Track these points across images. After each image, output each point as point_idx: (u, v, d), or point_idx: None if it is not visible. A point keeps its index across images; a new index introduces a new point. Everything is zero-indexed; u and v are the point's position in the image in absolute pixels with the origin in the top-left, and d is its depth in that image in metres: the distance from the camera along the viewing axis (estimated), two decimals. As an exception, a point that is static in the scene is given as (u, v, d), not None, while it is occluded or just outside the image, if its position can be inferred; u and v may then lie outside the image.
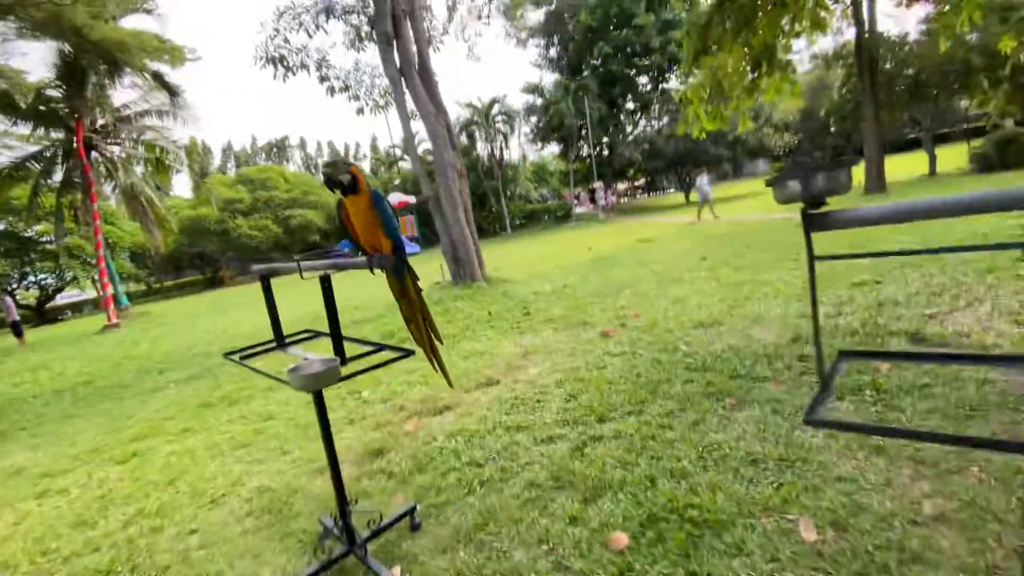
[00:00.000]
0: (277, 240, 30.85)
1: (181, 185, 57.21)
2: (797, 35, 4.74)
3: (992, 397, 2.38)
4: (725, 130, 25.79)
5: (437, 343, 1.89)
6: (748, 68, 4.20)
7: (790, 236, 8.62)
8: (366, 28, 8.82)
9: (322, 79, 8.62)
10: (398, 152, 39.47)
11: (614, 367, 3.67)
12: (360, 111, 9.47)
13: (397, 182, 33.15)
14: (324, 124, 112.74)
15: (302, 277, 1.72)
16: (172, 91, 15.57)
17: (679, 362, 3.52)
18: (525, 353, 4.39)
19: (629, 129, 32.75)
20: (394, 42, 7.50)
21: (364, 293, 10.96)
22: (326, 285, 1.58)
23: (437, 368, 1.90)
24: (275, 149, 61.27)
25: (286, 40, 7.96)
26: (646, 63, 28.80)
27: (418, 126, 13.29)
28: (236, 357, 2.03)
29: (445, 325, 5.87)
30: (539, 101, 32.57)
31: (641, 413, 2.86)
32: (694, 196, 30.01)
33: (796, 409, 2.61)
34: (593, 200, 29.92)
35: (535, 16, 31.65)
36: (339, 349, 1.66)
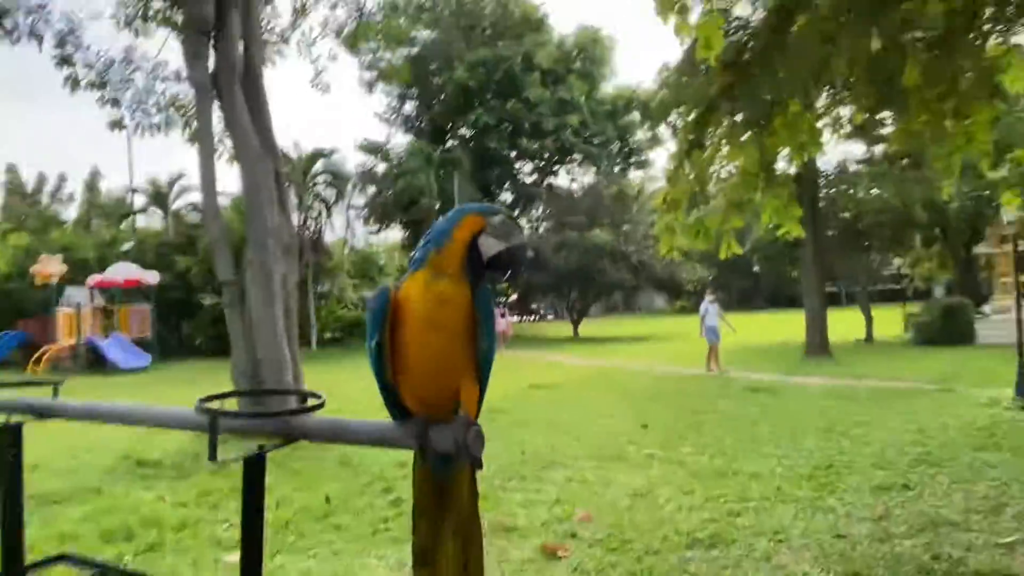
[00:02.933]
0: None
1: None
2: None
3: None
4: (627, 249, 29.10)
5: None
6: (759, 174, 4.60)
7: (741, 403, 9.36)
8: (158, 3, 8.23)
9: (62, 60, 7.57)
10: (139, 200, 36.38)
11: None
12: (118, 124, 8.46)
13: (128, 246, 29.97)
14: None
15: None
16: None
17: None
18: (414, 587, 3.61)
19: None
20: (212, 35, 7.02)
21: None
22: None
23: None
24: None
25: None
26: (534, 146, 31.96)
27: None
28: None
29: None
30: (381, 167, 33.56)
31: None
32: (590, 330, 32.26)
33: None
34: None
35: (390, 56, 33.86)
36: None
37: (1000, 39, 5.96)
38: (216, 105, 7.38)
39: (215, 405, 1.12)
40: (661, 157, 33.10)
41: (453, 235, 1.01)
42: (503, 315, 25.76)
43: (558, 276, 29.46)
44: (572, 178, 35.85)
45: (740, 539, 4.14)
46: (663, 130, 25.40)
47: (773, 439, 6.93)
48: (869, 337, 19.84)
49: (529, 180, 34.87)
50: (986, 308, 18.32)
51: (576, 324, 32.58)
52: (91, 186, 54.43)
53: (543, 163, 34.23)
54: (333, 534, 4.49)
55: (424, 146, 31.99)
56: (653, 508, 4.82)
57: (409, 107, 35.26)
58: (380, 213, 33.09)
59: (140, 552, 4.26)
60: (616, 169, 33.71)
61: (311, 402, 1.18)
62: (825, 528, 4.27)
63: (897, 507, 4.61)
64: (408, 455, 1.27)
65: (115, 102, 8.50)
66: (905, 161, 16.52)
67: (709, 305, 14.30)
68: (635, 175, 34.97)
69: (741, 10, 12.24)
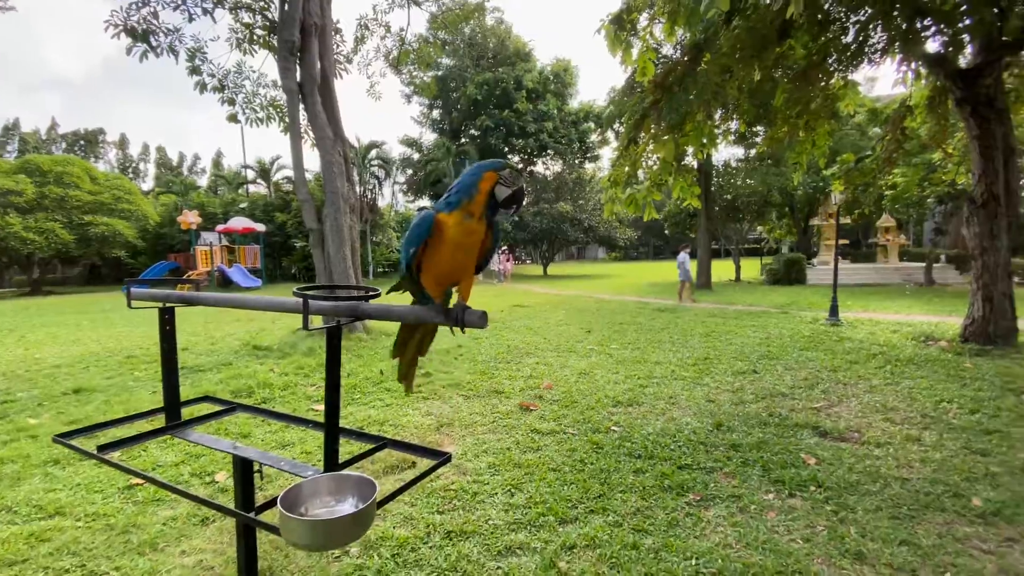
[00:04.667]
0: (64, 249, 24.20)
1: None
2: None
3: (919, 497, 2.55)
4: (581, 216, 28.92)
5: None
6: (673, 164, 4.54)
7: (651, 318, 9.50)
8: (260, 31, 7.74)
9: (192, 71, 7.15)
10: (250, 174, 35.54)
11: (549, 449, 3.27)
12: (233, 118, 8.07)
13: (243, 205, 29.34)
14: (152, 123, 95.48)
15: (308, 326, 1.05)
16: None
17: (618, 446, 3.29)
18: (438, 425, 3.74)
19: (498, 200, 34.61)
20: (298, 54, 6.65)
21: (154, 327, 8.94)
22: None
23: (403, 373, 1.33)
24: (83, 141, 50.03)
25: (155, 14, 6.47)
26: (521, 143, 31.17)
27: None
28: (84, 445, 1.15)
29: (324, 386, 4.86)
30: (416, 155, 32.89)
31: (605, 511, 2.49)
32: (555, 271, 32.27)
33: (760, 507, 2.51)
34: None
35: (424, 76, 32.41)
36: (332, 449, 1.00)
37: (841, 76, 5.83)
38: (301, 106, 7.06)
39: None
40: (607, 154, 32.55)
41: (480, 187, 1.00)
42: (508, 259, 25.58)
43: (534, 233, 29.35)
44: (546, 167, 35.14)
45: (646, 401, 4.28)
46: (609, 134, 24.89)
47: (671, 341, 7.04)
48: (738, 278, 19.99)
49: (518, 168, 34.21)
50: (814, 261, 18.50)
51: (546, 266, 32.55)
52: (216, 163, 52.66)
53: (527, 156, 33.40)
54: (385, 394, 4.57)
55: (445, 142, 31.16)
56: (592, 382, 4.93)
57: (436, 113, 34.08)
58: (415, 188, 32.52)
59: (258, 402, 4.37)
60: (576, 161, 33.04)
61: (371, 294, 1.19)
62: (701, 396, 4.41)
63: (748, 384, 4.75)
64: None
65: (231, 102, 8.10)
66: (768, 160, 16.37)
67: (684, 255, 13.35)
68: (589, 166, 34.40)
69: (668, 50, 11.87)
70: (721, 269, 20.95)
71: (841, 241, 16.88)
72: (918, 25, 5.01)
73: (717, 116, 6.22)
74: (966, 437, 3.34)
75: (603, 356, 6.12)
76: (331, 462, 1.05)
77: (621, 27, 5.09)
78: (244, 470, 1.15)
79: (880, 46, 5.44)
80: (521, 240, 29.56)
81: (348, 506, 0.91)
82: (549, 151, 32.40)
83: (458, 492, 2.72)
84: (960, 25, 5.04)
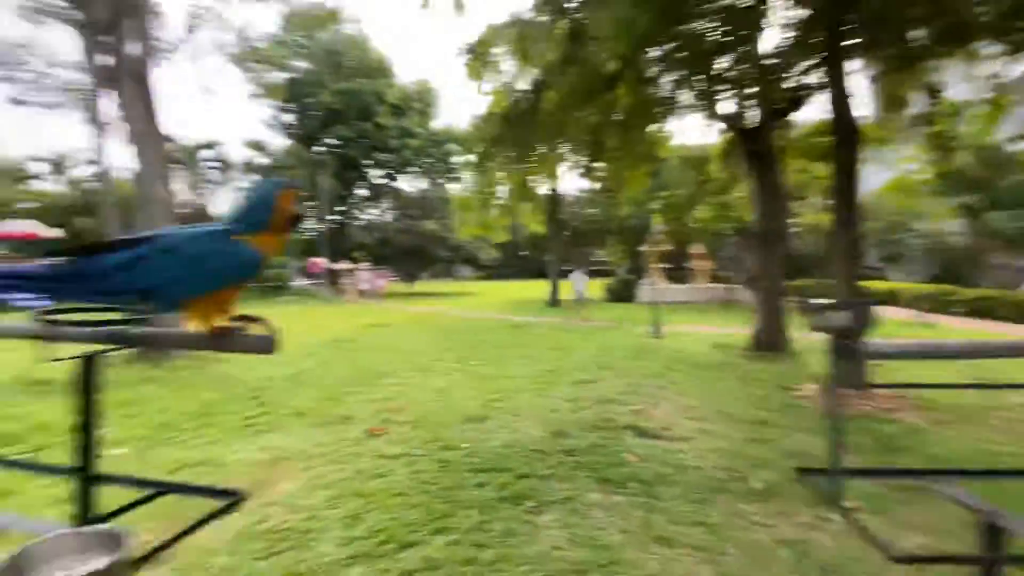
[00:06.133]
0: None
1: None
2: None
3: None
4: (447, 235, 29.08)
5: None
6: (520, 189, 4.85)
7: (507, 335, 9.88)
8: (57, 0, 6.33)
9: None
10: (39, 168, 28.61)
11: (396, 474, 3.17)
12: (17, 100, 6.45)
13: (28, 206, 23.40)
14: None
15: None
16: None
17: (464, 463, 3.33)
18: (273, 460, 3.37)
19: (360, 214, 33.11)
20: (108, 35, 5.60)
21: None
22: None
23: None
24: None
25: None
26: (384, 158, 30.35)
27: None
28: None
29: (127, 423, 4.03)
30: (264, 160, 29.90)
31: (447, 531, 2.49)
32: (420, 288, 31.69)
33: (588, 506, 2.74)
34: (335, 279, 27.30)
35: (275, 77, 29.82)
36: (84, 502, 0.83)
37: (658, 125, 6.86)
38: (109, 94, 5.95)
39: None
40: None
41: (280, 204, 0.96)
42: (381, 276, 24.40)
43: (400, 251, 28.65)
44: (410, 184, 34.69)
45: (495, 416, 4.39)
46: (472, 156, 25.74)
47: (522, 356, 7.35)
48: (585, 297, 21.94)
49: (379, 182, 33.03)
50: (643, 281, 21.16)
51: (411, 283, 31.91)
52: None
53: (390, 171, 32.58)
54: (210, 429, 3.97)
55: (298, 148, 28.93)
56: (447, 400, 4.92)
57: (289, 117, 31.46)
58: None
59: (30, 450, 3.47)
60: (441, 181, 33.19)
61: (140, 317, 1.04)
62: (545, 406, 4.67)
63: (585, 392, 5.18)
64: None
65: (7, 79, 6.48)
66: (608, 192, 18.52)
67: (580, 275, 14.07)
68: (452, 186, 34.85)
69: (523, 83, 12.72)
70: (569, 288, 22.76)
71: (663, 265, 19.64)
72: (715, 88, 6.16)
73: (564, 149, 6.84)
74: (748, 428, 4.08)
75: (460, 374, 6.16)
76: (85, 516, 0.88)
77: (475, 57, 5.33)
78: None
79: (687, 103, 6.55)
80: (386, 257, 28.54)
81: (96, 565, 0.76)
82: (413, 167, 32.11)
83: (288, 532, 2.47)
84: (746, 91, 6.30)
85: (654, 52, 5.60)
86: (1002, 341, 1.17)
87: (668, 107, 6.34)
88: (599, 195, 18.75)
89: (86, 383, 0.91)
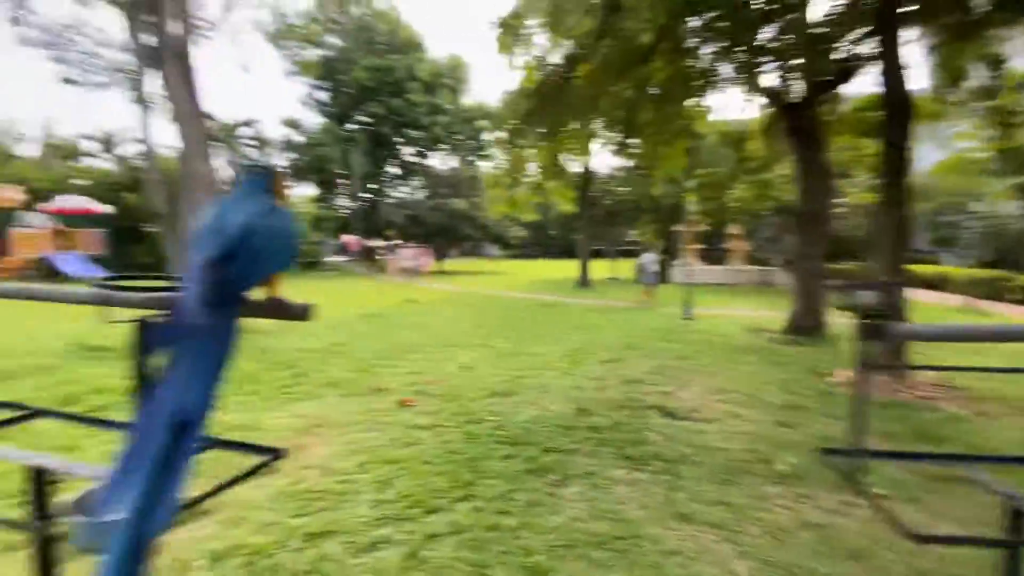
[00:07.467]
0: None
1: None
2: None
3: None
4: (476, 214, 29.07)
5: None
6: (552, 167, 4.80)
7: (534, 313, 9.94)
8: (98, -19, 6.58)
9: (14, 21, 5.84)
10: (90, 145, 29.94)
11: (425, 443, 3.29)
12: (70, 80, 6.76)
13: (80, 182, 24.61)
14: (-47, 77, 75.45)
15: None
16: None
17: (491, 435, 3.41)
18: (308, 427, 3.55)
19: (391, 192, 33.41)
20: (151, 14, 5.78)
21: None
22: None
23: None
24: None
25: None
26: (415, 135, 30.37)
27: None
28: None
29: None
30: (300, 139, 30.42)
31: (472, 498, 2.58)
32: (450, 267, 32.06)
33: (610, 481, 2.79)
34: (371, 256, 27.82)
35: (309, 54, 30.15)
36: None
37: (696, 100, 6.61)
38: (155, 73, 6.16)
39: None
40: (500, 154, 33.07)
41: (276, 188, 1.02)
42: (424, 254, 24.76)
43: (430, 229, 28.84)
44: (441, 162, 34.69)
45: (521, 391, 4.47)
46: (502, 134, 25.48)
47: (549, 334, 7.40)
48: (615, 277, 21.67)
49: (410, 159, 33.18)
50: (676, 262, 20.72)
51: (440, 262, 32.24)
52: (47, 131, 43.36)
53: (421, 148, 32.63)
54: (250, 396, 4.18)
55: (332, 126, 29.28)
56: (476, 375, 5.02)
57: (323, 95, 31.79)
58: (298, 173, 30.05)
59: (90, 411, 3.76)
60: (471, 158, 33.02)
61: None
62: (570, 384, 4.72)
63: (611, 372, 5.21)
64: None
65: (61, 60, 6.79)
66: (641, 170, 18.04)
67: (651, 257, 12.46)
68: (482, 164, 34.65)
69: (556, 57, 12.42)
70: (601, 268, 22.61)
71: (698, 245, 19.15)
72: (757, 60, 5.87)
73: (597, 126, 6.69)
74: (777, 412, 4.02)
75: (486, 350, 6.26)
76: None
77: (507, 31, 5.24)
78: (37, 480, 1.01)
79: (727, 76, 6.28)
80: (416, 235, 28.80)
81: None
82: (444, 145, 32.04)
83: (323, 493, 2.62)
84: (791, 63, 5.99)
85: (693, 22, 5.37)
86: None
87: (707, 80, 6.10)
88: (632, 173, 18.32)
89: (139, 346, 0.98)
